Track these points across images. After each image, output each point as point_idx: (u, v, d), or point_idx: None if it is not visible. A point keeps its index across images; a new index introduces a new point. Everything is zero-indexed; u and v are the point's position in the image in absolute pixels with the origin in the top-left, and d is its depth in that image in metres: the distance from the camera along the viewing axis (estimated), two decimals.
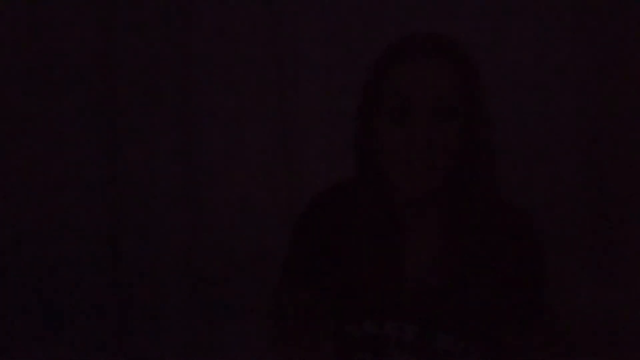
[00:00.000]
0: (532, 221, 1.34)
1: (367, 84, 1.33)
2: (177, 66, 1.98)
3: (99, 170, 1.98)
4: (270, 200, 2.05)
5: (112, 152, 1.98)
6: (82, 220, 1.98)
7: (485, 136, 1.31)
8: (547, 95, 1.96)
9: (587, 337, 1.89)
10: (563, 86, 1.96)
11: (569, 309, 1.93)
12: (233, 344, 2.01)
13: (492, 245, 1.30)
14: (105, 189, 1.98)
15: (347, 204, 1.37)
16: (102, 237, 1.99)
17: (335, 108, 2.02)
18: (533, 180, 1.94)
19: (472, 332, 1.30)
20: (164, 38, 1.97)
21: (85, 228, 1.98)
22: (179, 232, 2.02)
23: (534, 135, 1.96)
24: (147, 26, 1.96)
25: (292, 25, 2.01)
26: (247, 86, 2.01)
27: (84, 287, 1.98)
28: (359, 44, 2.02)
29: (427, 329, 1.30)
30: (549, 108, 1.96)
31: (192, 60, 1.98)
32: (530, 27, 1.96)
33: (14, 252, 1.95)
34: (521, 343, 1.26)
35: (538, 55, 1.95)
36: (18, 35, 1.92)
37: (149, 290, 2.01)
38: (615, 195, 1.95)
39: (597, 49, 1.96)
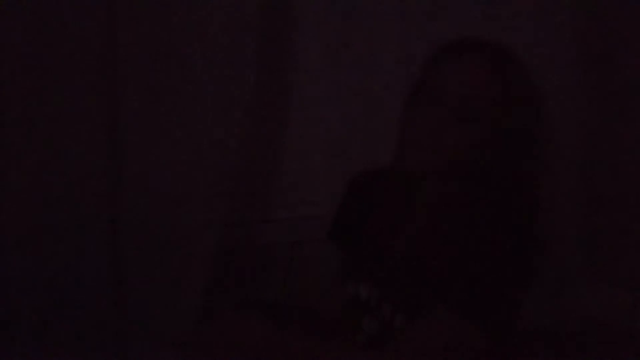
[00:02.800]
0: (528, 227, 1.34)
1: (414, 81, 1.43)
2: (176, 65, 1.98)
3: (98, 170, 1.98)
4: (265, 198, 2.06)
5: (111, 151, 1.98)
6: (82, 220, 1.98)
7: (508, 142, 1.38)
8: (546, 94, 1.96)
9: (587, 337, 1.90)
10: (562, 86, 1.97)
11: (569, 309, 1.94)
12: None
13: (473, 236, 1.31)
14: (105, 185, 1.98)
15: (377, 180, 1.53)
16: (102, 234, 1.99)
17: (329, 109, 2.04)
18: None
19: (413, 305, 1.34)
20: (164, 37, 1.98)
21: (85, 225, 1.98)
22: (178, 232, 2.02)
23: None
24: (147, 25, 1.97)
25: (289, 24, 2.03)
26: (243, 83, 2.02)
27: (84, 287, 1.98)
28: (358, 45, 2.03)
29: (381, 297, 1.40)
30: (548, 107, 1.96)
31: (191, 60, 1.99)
32: (529, 26, 1.97)
33: (13, 252, 1.95)
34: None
35: (537, 53, 1.96)
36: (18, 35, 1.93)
37: (149, 289, 2.01)
38: (614, 195, 1.96)
39: (598, 48, 1.97)
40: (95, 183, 1.97)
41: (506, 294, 1.28)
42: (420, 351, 1.27)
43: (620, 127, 1.96)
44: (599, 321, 1.91)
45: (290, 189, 2.10)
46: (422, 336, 1.28)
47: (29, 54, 1.91)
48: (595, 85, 1.97)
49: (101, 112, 1.97)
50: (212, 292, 2.02)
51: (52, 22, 1.92)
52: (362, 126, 2.07)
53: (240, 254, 2.07)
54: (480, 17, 1.98)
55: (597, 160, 1.98)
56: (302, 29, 2.05)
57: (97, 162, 1.97)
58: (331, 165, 2.09)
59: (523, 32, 1.97)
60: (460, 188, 1.38)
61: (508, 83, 1.36)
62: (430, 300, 1.30)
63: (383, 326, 1.39)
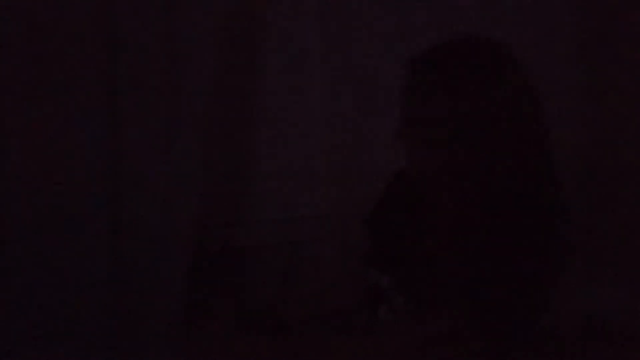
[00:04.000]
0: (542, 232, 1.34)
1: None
2: (175, 65, 1.99)
3: (98, 169, 1.98)
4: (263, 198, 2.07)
5: (112, 150, 1.98)
6: (82, 220, 1.98)
7: (503, 138, 1.40)
8: (545, 93, 1.96)
9: (587, 337, 1.89)
10: (562, 85, 1.97)
11: (569, 309, 1.93)
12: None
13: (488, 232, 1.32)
14: (106, 187, 1.98)
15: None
16: (102, 236, 1.99)
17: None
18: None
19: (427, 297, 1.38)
20: (163, 37, 1.98)
21: (85, 227, 1.98)
22: (179, 230, 2.02)
23: None
24: (146, 24, 1.97)
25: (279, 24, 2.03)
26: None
27: (84, 287, 1.98)
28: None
29: (396, 288, 1.45)
30: (547, 107, 1.96)
31: (188, 60, 1.99)
32: (529, 26, 1.97)
33: (13, 251, 1.95)
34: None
35: (536, 52, 1.96)
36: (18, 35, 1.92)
37: (149, 289, 2.01)
38: (615, 194, 1.96)
39: (597, 47, 1.97)
40: (95, 183, 1.98)
41: (519, 297, 1.29)
42: (417, 344, 1.28)
43: (620, 127, 1.96)
44: (599, 321, 1.91)
45: (289, 189, 2.10)
46: (422, 330, 1.30)
47: (29, 54, 1.91)
48: (595, 84, 1.97)
49: (101, 113, 1.97)
50: (207, 293, 2.02)
51: (52, 22, 1.92)
52: (361, 126, 2.07)
53: (239, 255, 2.08)
54: (480, 16, 1.98)
55: (597, 160, 1.98)
56: (300, 28, 2.05)
57: (97, 163, 1.98)
58: (331, 165, 2.09)
59: (523, 32, 1.97)
60: (475, 191, 1.39)
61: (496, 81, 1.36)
62: (439, 297, 1.31)
63: (396, 315, 1.42)
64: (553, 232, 1.33)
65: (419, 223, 1.49)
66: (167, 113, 2.00)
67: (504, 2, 1.99)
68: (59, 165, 1.96)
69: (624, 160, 1.96)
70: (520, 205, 1.34)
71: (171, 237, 2.01)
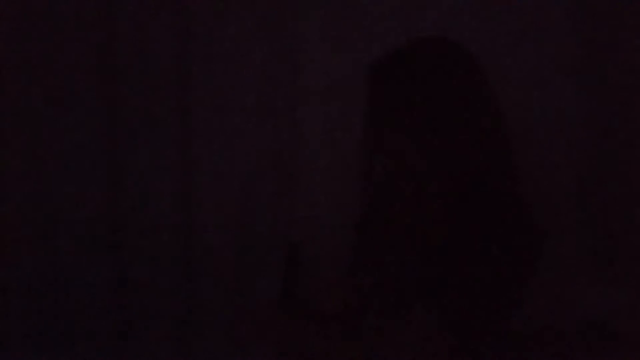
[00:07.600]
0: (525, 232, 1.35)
1: None
2: (176, 65, 1.99)
3: (99, 170, 1.98)
4: (268, 198, 2.07)
5: (112, 151, 1.99)
6: (82, 220, 1.98)
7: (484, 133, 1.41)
8: (546, 93, 1.96)
9: (587, 337, 1.89)
10: (562, 84, 1.97)
11: (569, 309, 1.94)
12: (232, 344, 2.01)
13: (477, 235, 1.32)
14: (106, 187, 1.99)
15: None
16: (103, 236, 1.99)
17: (334, 108, 2.04)
18: (532, 180, 1.94)
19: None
20: (164, 37, 1.98)
21: (85, 228, 1.98)
22: (179, 232, 2.02)
23: (534, 134, 1.96)
24: (147, 25, 1.97)
25: (293, 25, 2.03)
26: (246, 85, 2.02)
27: (84, 287, 1.98)
28: (362, 44, 2.04)
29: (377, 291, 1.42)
30: (548, 106, 1.96)
31: (190, 60, 1.99)
32: (530, 24, 1.97)
33: (13, 254, 1.95)
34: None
35: (538, 52, 1.96)
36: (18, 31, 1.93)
37: (149, 291, 2.01)
38: (616, 194, 1.96)
39: (598, 46, 1.97)
40: (96, 184, 1.98)
41: (492, 296, 1.29)
42: (392, 348, 1.29)
43: (621, 127, 1.96)
44: (599, 321, 1.91)
45: (290, 189, 2.10)
46: (397, 335, 1.30)
47: (30, 55, 1.92)
48: (596, 83, 1.97)
49: (101, 113, 1.97)
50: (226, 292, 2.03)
51: (53, 23, 1.92)
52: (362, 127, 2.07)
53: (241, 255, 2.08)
54: (479, 16, 1.98)
55: (597, 159, 1.98)
56: (307, 29, 2.05)
57: (99, 164, 1.98)
58: (331, 165, 2.09)
59: (523, 31, 1.98)
60: (447, 190, 1.39)
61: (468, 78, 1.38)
62: (412, 300, 1.31)
63: (378, 319, 1.41)
64: (517, 228, 1.33)
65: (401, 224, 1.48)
66: (167, 114, 2.00)
67: (506, 4, 1.99)
68: (59, 165, 1.96)
69: (625, 160, 1.96)
70: (478, 200, 1.35)
71: (171, 238, 2.02)
